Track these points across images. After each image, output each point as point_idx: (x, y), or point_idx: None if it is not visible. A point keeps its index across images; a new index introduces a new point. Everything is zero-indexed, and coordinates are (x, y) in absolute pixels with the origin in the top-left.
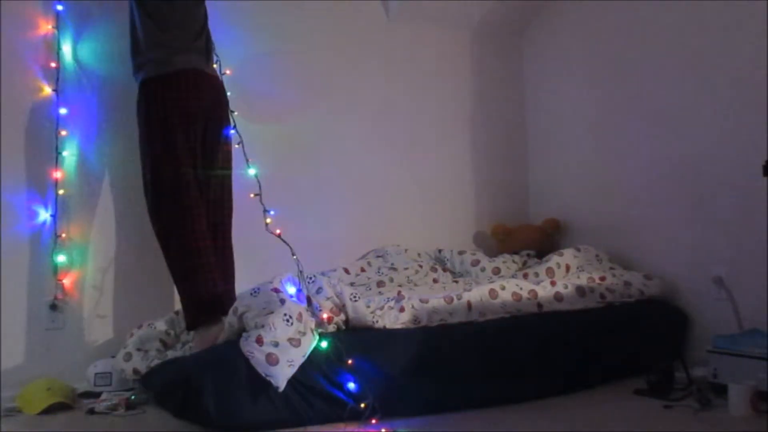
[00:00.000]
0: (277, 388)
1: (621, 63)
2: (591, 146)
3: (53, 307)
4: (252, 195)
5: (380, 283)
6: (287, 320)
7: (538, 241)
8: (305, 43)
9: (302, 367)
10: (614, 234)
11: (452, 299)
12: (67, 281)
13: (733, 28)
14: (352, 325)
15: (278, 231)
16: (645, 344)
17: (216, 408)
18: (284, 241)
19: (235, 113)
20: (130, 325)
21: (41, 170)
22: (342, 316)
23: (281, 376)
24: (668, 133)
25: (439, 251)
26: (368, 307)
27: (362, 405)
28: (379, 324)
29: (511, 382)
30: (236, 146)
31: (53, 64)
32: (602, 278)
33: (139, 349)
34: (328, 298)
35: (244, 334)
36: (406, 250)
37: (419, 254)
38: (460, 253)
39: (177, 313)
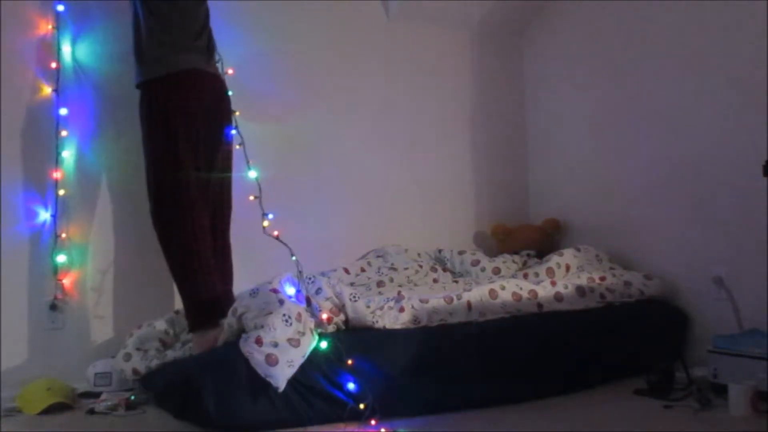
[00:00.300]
0: (277, 388)
1: (621, 63)
2: (591, 146)
3: (53, 307)
4: (252, 197)
5: (380, 283)
6: (286, 320)
7: (538, 241)
8: (305, 43)
9: (302, 367)
10: (614, 234)
11: (452, 299)
12: (67, 281)
13: (733, 28)
14: (351, 325)
15: (276, 233)
16: (645, 344)
17: (216, 408)
18: (283, 243)
19: (237, 113)
20: (130, 325)
21: (41, 170)
22: (342, 317)
23: (281, 376)
24: (668, 133)
25: (439, 251)
26: (368, 307)
27: (361, 406)
28: (379, 324)
29: (511, 382)
30: (237, 147)
31: (53, 65)
32: (602, 278)
33: (138, 349)
34: (327, 299)
35: (243, 335)
36: (406, 250)
37: (419, 254)
38: (460, 253)
39: (177, 312)
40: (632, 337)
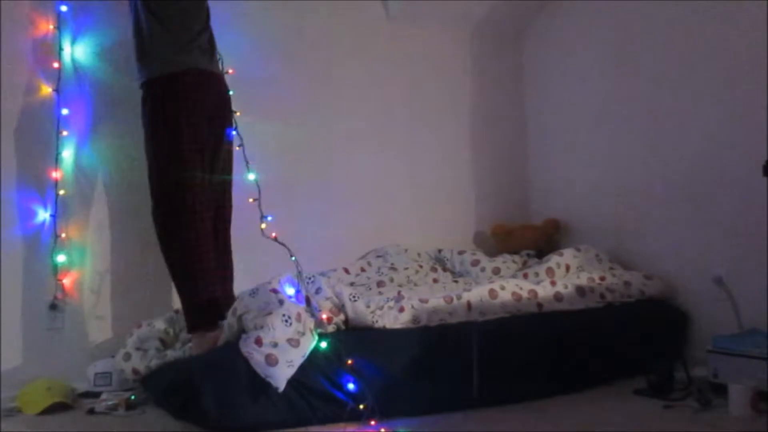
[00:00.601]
0: (277, 388)
1: (621, 63)
2: (591, 146)
3: (53, 307)
4: (251, 200)
5: (380, 283)
6: (286, 321)
7: (538, 241)
8: (305, 43)
9: (302, 367)
10: (614, 234)
11: (452, 299)
12: (67, 281)
13: (732, 28)
14: (352, 325)
15: (274, 234)
16: (645, 344)
17: (216, 409)
18: (281, 243)
19: (237, 113)
20: (129, 325)
21: (41, 170)
22: (341, 316)
23: (281, 376)
24: (668, 133)
25: (439, 251)
26: (368, 307)
27: (361, 406)
28: (379, 324)
29: (511, 382)
30: (237, 148)
31: (55, 65)
32: (602, 278)
33: (138, 349)
34: (327, 299)
35: (243, 335)
36: (406, 250)
37: (419, 254)
38: (460, 253)
39: (176, 311)
40: (632, 337)
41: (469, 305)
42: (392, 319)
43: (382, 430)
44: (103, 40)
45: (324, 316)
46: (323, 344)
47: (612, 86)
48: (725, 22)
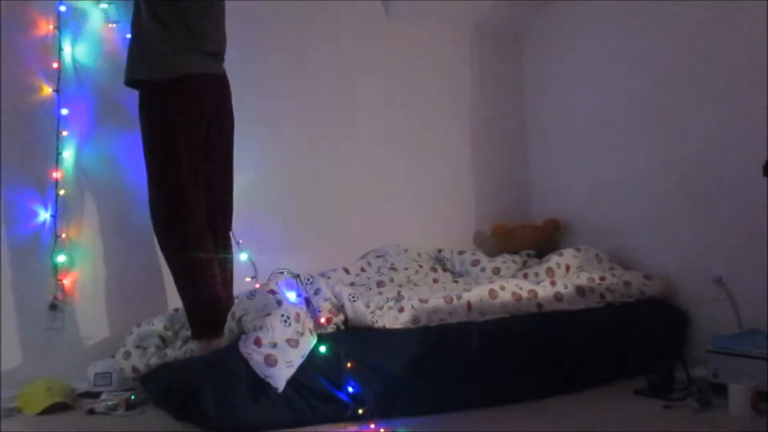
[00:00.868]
0: (277, 389)
1: (621, 63)
2: (591, 146)
3: (53, 307)
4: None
5: (380, 283)
6: (285, 321)
7: (538, 241)
8: (305, 43)
9: (302, 367)
10: (614, 234)
11: (452, 299)
12: (67, 281)
13: (732, 28)
14: (351, 325)
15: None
16: (645, 344)
17: (216, 409)
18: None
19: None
20: (129, 325)
21: (41, 170)
22: (341, 317)
23: (280, 376)
24: (668, 133)
25: (439, 251)
26: (368, 307)
27: (360, 411)
28: (379, 324)
29: (511, 382)
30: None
31: (55, 65)
32: (602, 278)
33: (137, 347)
34: (326, 299)
35: (242, 336)
36: (406, 250)
37: (419, 254)
38: (460, 253)
39: (176, 310)
40: (632, 337)
41: (469, 305)
42: (392, 319)
43: (382, 430)
44: (104, 40)
45: (323, 320)
46: (322, 348)
47: (612, 86)
48: (725, 22)
